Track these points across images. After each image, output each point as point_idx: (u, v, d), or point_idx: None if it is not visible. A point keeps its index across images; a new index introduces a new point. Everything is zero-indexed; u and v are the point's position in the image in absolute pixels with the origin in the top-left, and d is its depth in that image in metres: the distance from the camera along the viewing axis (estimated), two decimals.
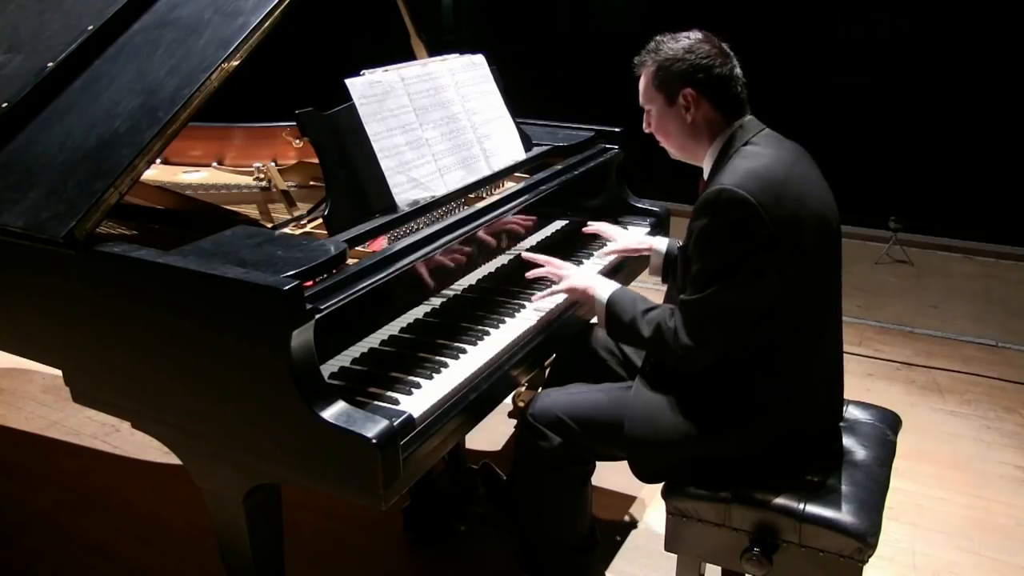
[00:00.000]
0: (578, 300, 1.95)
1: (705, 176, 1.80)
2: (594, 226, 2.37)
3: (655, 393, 1.79)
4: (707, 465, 1.74)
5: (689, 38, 1.76)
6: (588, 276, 1.95)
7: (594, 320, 2.10)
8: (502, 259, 2.15)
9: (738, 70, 1.77)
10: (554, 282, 1.98)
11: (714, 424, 1.73)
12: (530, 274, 2.01)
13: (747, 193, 1.58)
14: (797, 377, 1.72)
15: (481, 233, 2.02)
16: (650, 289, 2.37)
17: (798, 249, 1.62)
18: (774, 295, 1.64)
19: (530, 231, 2.28)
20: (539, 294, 1.98)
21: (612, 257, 2.31)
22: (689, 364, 1.70)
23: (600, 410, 1.84)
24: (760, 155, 1.67)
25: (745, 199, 1.57)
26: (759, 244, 1.59)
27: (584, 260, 2.33)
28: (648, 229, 2.60)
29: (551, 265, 2.00)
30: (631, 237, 2.33)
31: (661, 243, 2.25)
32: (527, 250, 2.23)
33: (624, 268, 2.35)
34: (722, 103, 1.75)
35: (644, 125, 1.86)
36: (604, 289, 1.86)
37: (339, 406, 1.45)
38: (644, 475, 1.84)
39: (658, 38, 1.80)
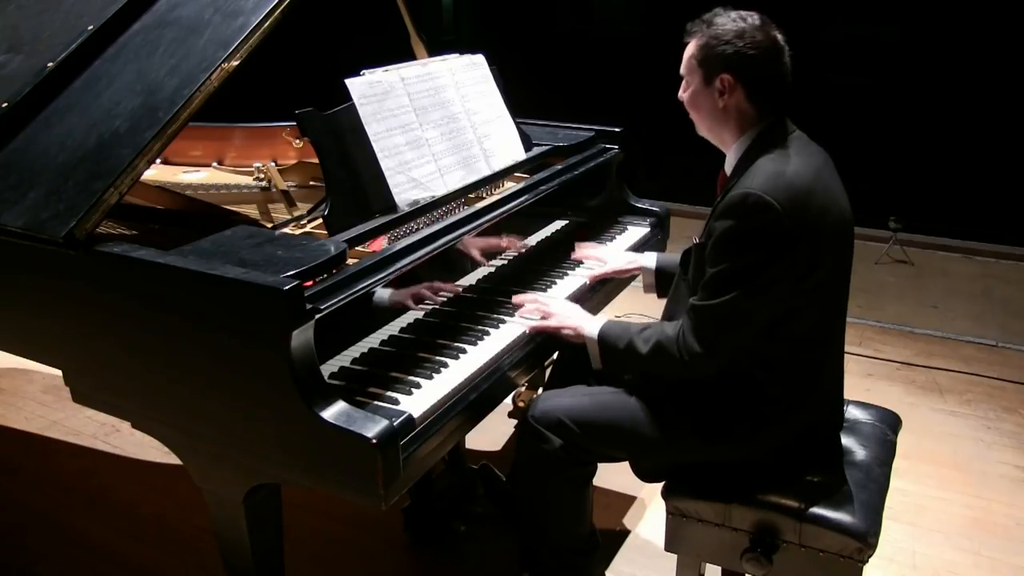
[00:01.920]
0: (568, 337, 1.90)
1: (727, 168, 1.77)
2: (581, 252, 2.33)
3: (659, 395, 1.79)
4: (708, 467, 1.74)
5: (746, 21, 1.68)
6: (576, 315, 1.91)
7: None
8: (502, 259, 2.15)
9: (786, 67, 1.70)
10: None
11: (717, 429, 1.73)
12: (519, 313, 1.97)
13: (774, 200, 1.55)
14: (804, 384, 1.71)
15: (480, 233, 2.02)
16: (638, 290, 2.35)
17: (816, 259, 1.61)
18: (787, 303, 1.63)
19: (530, 231, 2.28)
20: (530, 325, 1.93)
21: (597, 272, 2.26)
22: (695, 371, 1.68)
23: (602, 412, 1.84)
24: (789, 160, 1.64)
25: (771, 205, 1.55)
26: (780, 252, 1.57)
27: (573, 270, 2.28)
28: (648, 230, 2.60)
29: (539, 303, 1.97)
30: (618, 259, 2.28)
31: (649, 259, 2.21)
32: (526, 255, 2.23)
33: (608, 283, 2.30)
34: (758, 97, 1.69)
35: (680, 91, 1.79)
36: (593, 326, 1.84)
37: (339, 406, 1.45)
38: (644, 474, 1.84)
39: (718, 10, 1.72)
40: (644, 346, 1.72)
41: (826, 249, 1.62)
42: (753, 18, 1.70)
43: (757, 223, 1.57)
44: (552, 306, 1.95)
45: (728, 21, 1.69)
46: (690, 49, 1.75)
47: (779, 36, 1.71)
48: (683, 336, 1.66)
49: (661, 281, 2.18)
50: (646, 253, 2.28)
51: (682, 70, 1.78)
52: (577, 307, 1.96)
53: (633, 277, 2.31)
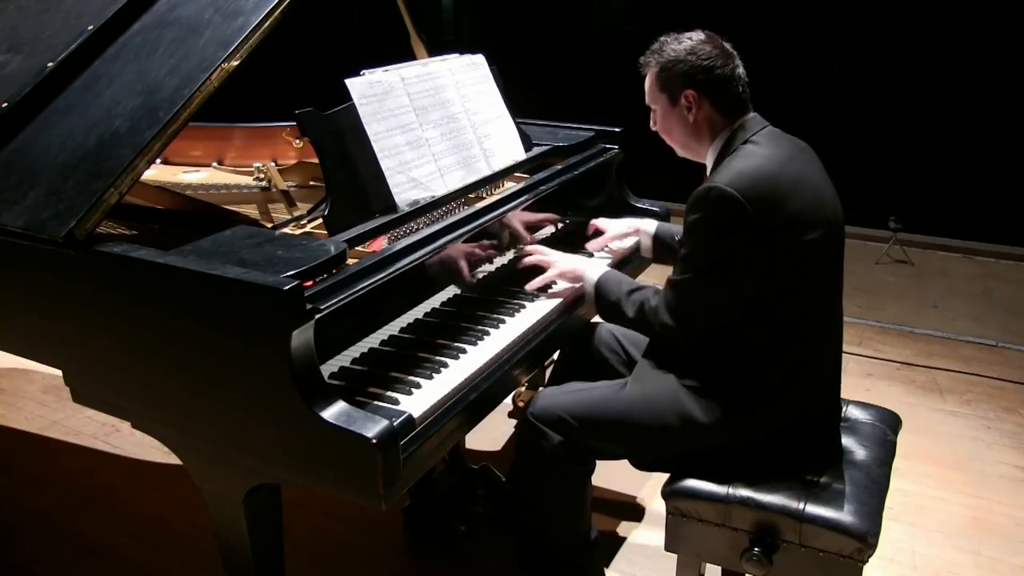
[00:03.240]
0: (568, 282, 2.01)
1: (707, 174, 1.82)
2: (594, 223, 2.40)
3: (655, 382, 1.81)
4: (705, 456, 1.75)
5: (692, 39, 1.79)
6: (577, 260, 2.02)
7: (596, 319, 2.11)
8: (502, 259, 2.15)
9: (740, 70, 1.80)
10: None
11: (714, 413, 1.74)
12: (523, 264, 2.06)
13: (735, 191, 1.62)
14: (798, 371, 1.73)
15: (481, 233, 2.02)
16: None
17: (790, 245, 1.65)
18: (763, 289, 1.67)
19: (530, 231, 2.28)
20: (532, 282, 2.02)
21: (620, 246, 2.36)
22: (669, 341, 1.77)
23: (601, 408, 1.84)
24: (755, 154, 1.71)
25: (732, 196, 1.62)
26: (744, 240, 1.63)
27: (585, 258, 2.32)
28: None
29: (539, 253, 2.07)
30: (618, 224, 2.36)
31: (650, 224, 2.31)
32: (526, 255, 2.24)
33: (630, 263, 2.36)
34: (723, 104, 1.78)
35: (651, 123, 1.90)
36: (594, 271, 1.93)
37: (339, 406, 1.45)
38: (641, 463, 1.85)
39: (662, 39, 1.83)
40: (630, 308, 1.83)
41: (802, 235, 1.66)
42: (697, 34, 1.81)
43: (720, 214, 1.64)
44: (551, 255, 2.05)
45: (675, 43, 1.80)
46: (648, 80, 1.85)
47: (726, 44, 1.81)
48: (658, 309, 1.76)
49: (658, 247, 2.29)
50: (646, 219, 2.38)
51: (647, 101, 1.88)
52: (578, 256, 2.07)
53: (648, 258, 2.38)
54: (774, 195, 1.64)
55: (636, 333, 2.02)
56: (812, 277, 1.71)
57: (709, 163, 1.82)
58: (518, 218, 2.17)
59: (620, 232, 2.34)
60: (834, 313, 1.81)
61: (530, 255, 2.08)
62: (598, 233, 2.38)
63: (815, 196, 1.71)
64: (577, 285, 2.02)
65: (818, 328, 1.76)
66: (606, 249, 2.36)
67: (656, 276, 2.30)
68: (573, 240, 2.41)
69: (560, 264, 2.01)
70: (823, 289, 1.76)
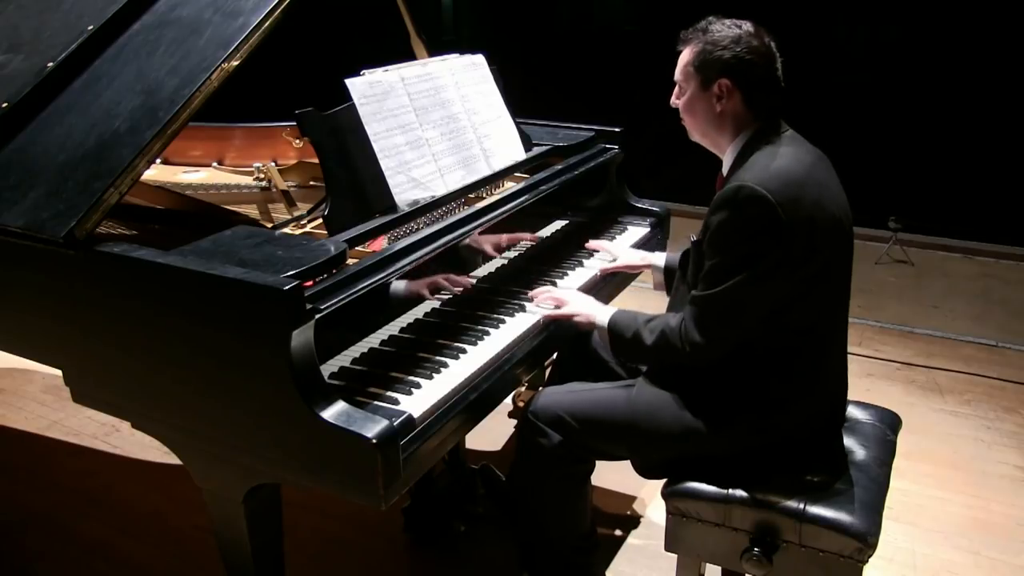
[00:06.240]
0: (583, 326, 1.93)
1: (724, 170, 1.79)
2: (594, 243, 2.37)
3: (660, 389, 1.80)
4: (708, 462, 1.75)
5: (741, 28, 1.72)
6: (588, 304, 1.94)
7: None
8: (502, 259, 2.15)
9: (779, 73, 1.74)
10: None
11: (718, 421, 1.74)
12: (536, 302, 2.01)
13: (766, 191, 1.57)
14: (804, 377, 1.72)
15: (481, 233, 2.02)
16: (646, 289, 2.36)
17: (812, 250, 1.62)
18: (785, 294, 1.64)
19: (530, 231, 2.28)
20: (544, 314, 1.97)
21: (607, 264, 2.31)
22: (696, 360, 1.70)
23: (601, 408, 1.84)
24: (782, 154, 1.67)
25: (764, 197, 1.57)
26: (774, 242, 1.59)
27: (584, 261, 2.33)
28: (648, 230, 2.60)
29: (553, 293, 2.01)
30: (631, 255, 2.32)
31: (659, 258, 2.25)
32: (526, 255, 2.24)
33: (618, 276, 2.34)
34: (754, 102, 1.73)
35: (673, 97, 1.83)
36: (604, 314, 1.87)
37: (339, 406, 1.45)
38: (645, 470, 1.85)
39: (712, 18, 1.76)
40: (649, 336, 1.75)
41: (821, 241, 1.64)
42: (747, 25, 1.74)
43: (751, 214, 1.59)
44: (565, 296, 1.99)
45: (723, 28, 1.73)
46: (686, 56, 1.78)
47: (772, 43, 1.75)
48: (685, 327, 1.68)
49: (670, 279, 2.20)
50: (656, 252, 2.33)
51: (677, 76, 1.81)
52: (589, 297, 2.00)
53: (638, 273, 2.35)
54: (802, 199, 1.60)
55: None
56: (825, 283, 1.69)
57: (727, 159, 1.78)
58: (518, 222, 2.16)
59: (631, 263, 2.29)
60: (842, 319, 1.80)
61: (543, 293, 2.02)
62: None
63: (835, 203, 1.69)
64: (587, 328, 1.94)
65: (827, 336, 1.75)
66: (590, 263, 2.32)
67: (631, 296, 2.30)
68: (567, 247, 2.39)
69: (573, 306, 1.94)
70: (834, 297, 1.74)
